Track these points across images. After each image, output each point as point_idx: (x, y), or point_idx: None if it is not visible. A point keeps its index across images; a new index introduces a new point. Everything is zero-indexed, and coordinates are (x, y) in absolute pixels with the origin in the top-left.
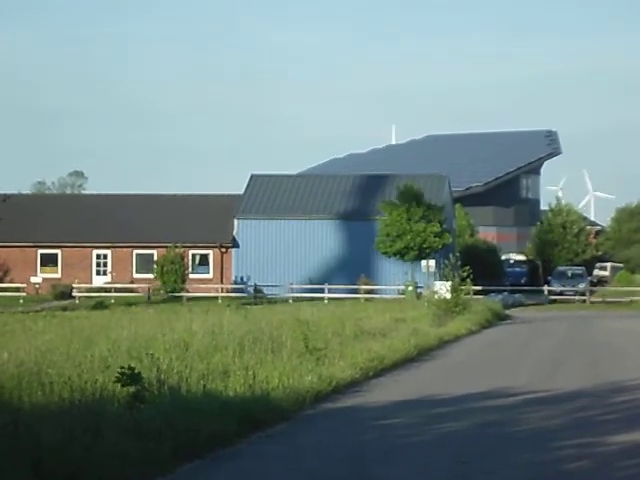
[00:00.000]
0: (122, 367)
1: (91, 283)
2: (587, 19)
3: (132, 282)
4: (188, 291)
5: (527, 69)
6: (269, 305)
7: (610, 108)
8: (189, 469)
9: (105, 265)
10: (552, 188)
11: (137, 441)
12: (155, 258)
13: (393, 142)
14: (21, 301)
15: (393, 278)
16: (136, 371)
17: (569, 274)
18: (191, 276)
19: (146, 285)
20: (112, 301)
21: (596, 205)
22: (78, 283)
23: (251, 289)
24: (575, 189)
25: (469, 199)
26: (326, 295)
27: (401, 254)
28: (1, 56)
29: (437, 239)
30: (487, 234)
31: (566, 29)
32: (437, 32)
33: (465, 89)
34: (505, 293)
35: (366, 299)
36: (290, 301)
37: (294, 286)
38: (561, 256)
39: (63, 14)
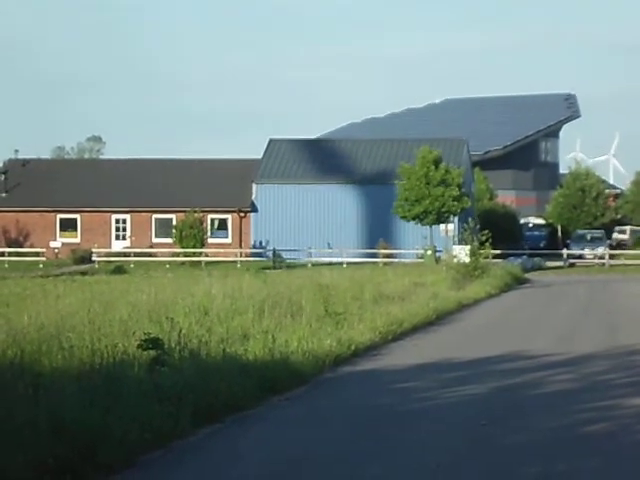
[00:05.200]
0: (145, 333)
1: (110, 248)
2: None
3: (151, 247)
4: (207, 255)
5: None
6: (288, 270)
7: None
8: (209, 433)
9: (124, 230)
10: (580, 155)
11: (157, 405)
12: (174, 223)
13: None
14: (41, 265)
15: (412, 242)
16: (158, 337)
17: (588, 237)
18: (210, 241)
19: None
20: (131, 266)
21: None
22: (97, 248)
23: (270, 254)
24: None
25: (488, 163)
26: (345, 259)
27: (420, 218)
28: (19, 22)
29: (456, 203)
30: (506, 198)
31: None
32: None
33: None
34: (524, 257)
35: (385, 263)
36: (309, 265)
37: (313, 250)
38: (580, 219)
39: None
